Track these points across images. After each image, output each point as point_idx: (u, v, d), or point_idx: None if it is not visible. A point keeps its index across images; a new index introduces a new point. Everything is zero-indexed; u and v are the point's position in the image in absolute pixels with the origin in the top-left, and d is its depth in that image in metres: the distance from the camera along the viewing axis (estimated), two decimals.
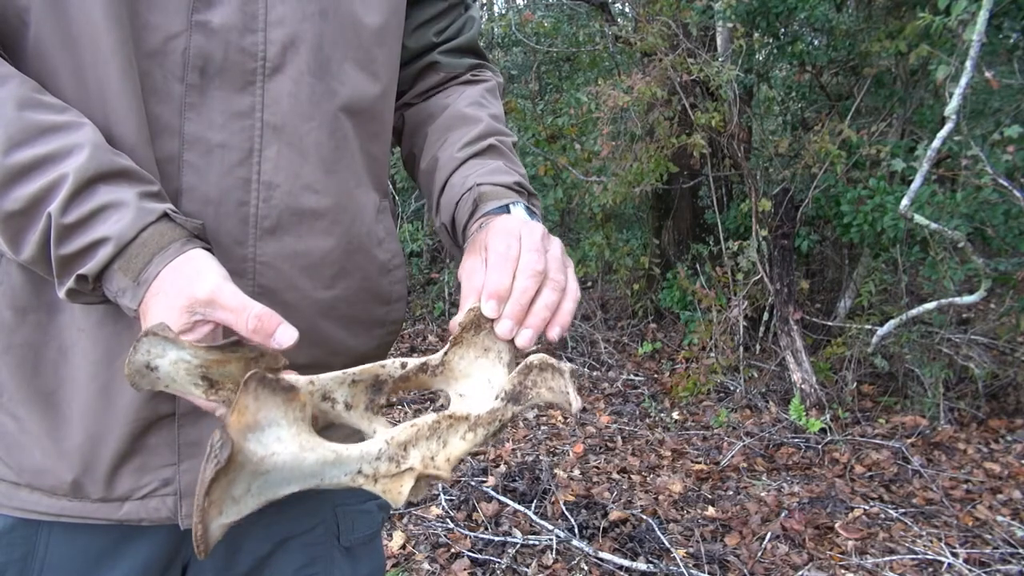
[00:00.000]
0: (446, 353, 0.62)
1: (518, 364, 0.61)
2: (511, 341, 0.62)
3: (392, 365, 0.62)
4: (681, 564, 2.38)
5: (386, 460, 0.58)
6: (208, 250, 0.60)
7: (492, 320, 0.62)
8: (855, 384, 3.71)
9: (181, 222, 0.59)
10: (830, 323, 4.07)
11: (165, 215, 0.59)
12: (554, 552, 2.45)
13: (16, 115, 0.56)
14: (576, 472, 3.06)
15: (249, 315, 0.55)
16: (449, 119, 0.84)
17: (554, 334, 0.62)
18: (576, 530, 2.57)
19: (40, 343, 0.65)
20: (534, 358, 0.60)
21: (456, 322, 0.63)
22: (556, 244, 0.67)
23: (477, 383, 0.63)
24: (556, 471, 3.04)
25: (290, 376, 0.57)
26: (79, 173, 0.56)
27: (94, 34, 0.60)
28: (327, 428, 0.60)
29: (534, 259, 0.63)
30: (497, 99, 0.89)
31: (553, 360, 0.60)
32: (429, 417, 0.60)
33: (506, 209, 0.72)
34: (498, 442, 3.36)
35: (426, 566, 2.40)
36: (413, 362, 0.62)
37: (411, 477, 0.58)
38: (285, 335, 0.57)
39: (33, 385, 0.66)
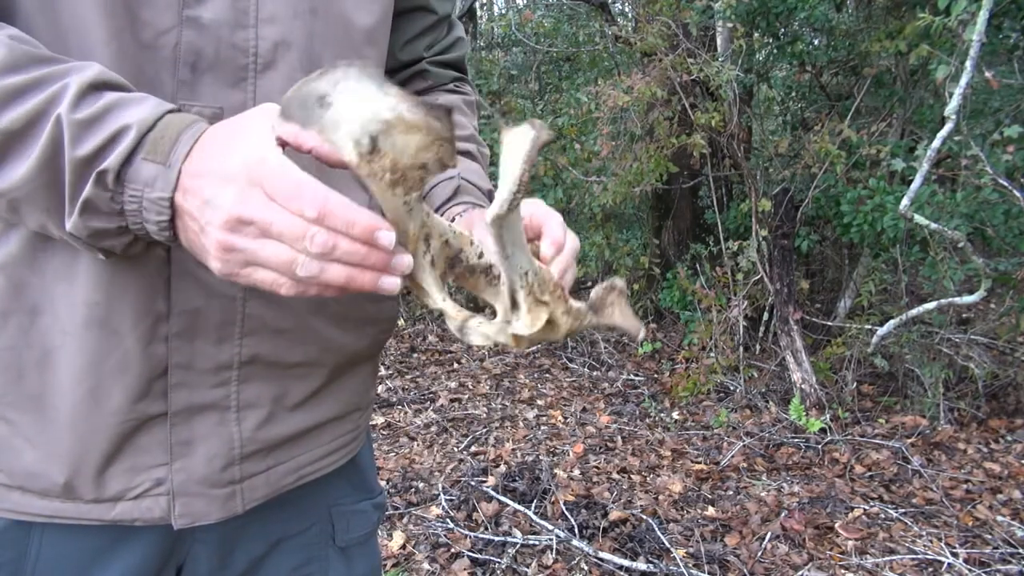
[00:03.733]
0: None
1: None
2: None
3: (473, 249, 0.61)
4: (681, 564, 2.38)
5: (537, 282, 0.58)
6: None
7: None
8: (855, 384, 3.71)
9: (198, 110, 0.57)
10: (830, 323, 4.07)
11: (179, 109, 0.56)
12: (554, 552, 2.45)
13: (13, 44, 0.54)
14: (576, 472, 3.06)
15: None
16: None
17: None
18: (576, 530, 2.57)
19: (23, 347, 0.64)
20: (616, 280, 0.65)
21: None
22: None
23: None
24: (556, 471, 3.04)
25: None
26: (83, 80, 0.53)
27: (84, 26, 0.59)
28: None
29: (574, 239, 0.69)
30: (474, 114, 0.94)
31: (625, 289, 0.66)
32: (554, 274, 0.62)
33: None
34: (498, 442, 3.36)
35: (426, 566, 2.40)
36: (486, 260, 0.62)
37: (545, 314, 0.59)
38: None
39: (20, 389, 0.65)
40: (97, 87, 0.54)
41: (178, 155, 0.52)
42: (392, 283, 0.51)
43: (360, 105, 0.46)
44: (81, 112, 0.52)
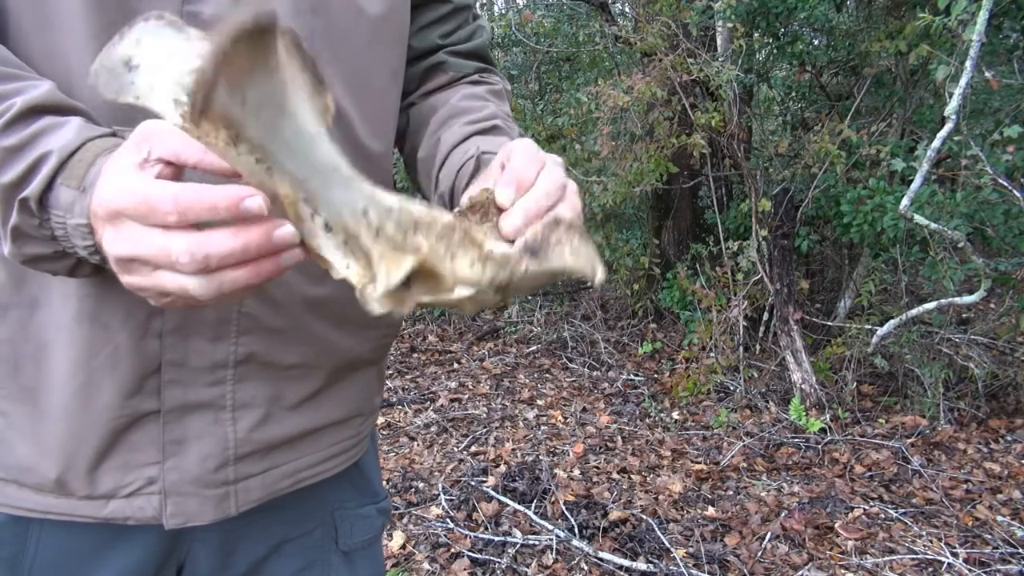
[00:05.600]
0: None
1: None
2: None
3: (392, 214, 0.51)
4: (681, 564, 2.38)
5: (394, 222, 0.46)
6: None
7: (500, 209, 0.53)
8: (855, 384, 3.71)
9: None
10: (830, 323, 4.07)
11: (113, 133, 0.55)
12: (554, 552, 2.45)
13: None
14: (576, 472, 3.06)
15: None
16: (453, 108, 0.81)
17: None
18: (576, 530, 2.57)
19: (21, 340, 0.64)
20: (560, 210, 0.51)
21: (463, 199, 0.54)
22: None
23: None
24: (556, 471, 3.04)
25: None
26: (27, 102, 0.53)
27: (72, 23, 0.59)
28: None
29: (560, 173, 0.56)
30: (504, 101, 0.86)
31: (580, 221, 0.52)
32: (446, 216, 0.49)
33: None
34: (498, 442, 3.36)
35: (426, 566, 2.40)
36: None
37: (409, 263, 0.46)
38: None
39: (16, 382, 0.65)
40: (38, 111, 0.54)
41: (91, 178, 0.51)
42: (288, 260, 0.47)
43: (168, 61, 0.41)
44: (8, 139, 0.52)
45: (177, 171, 0.49)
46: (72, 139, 0.53)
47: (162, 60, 0.42)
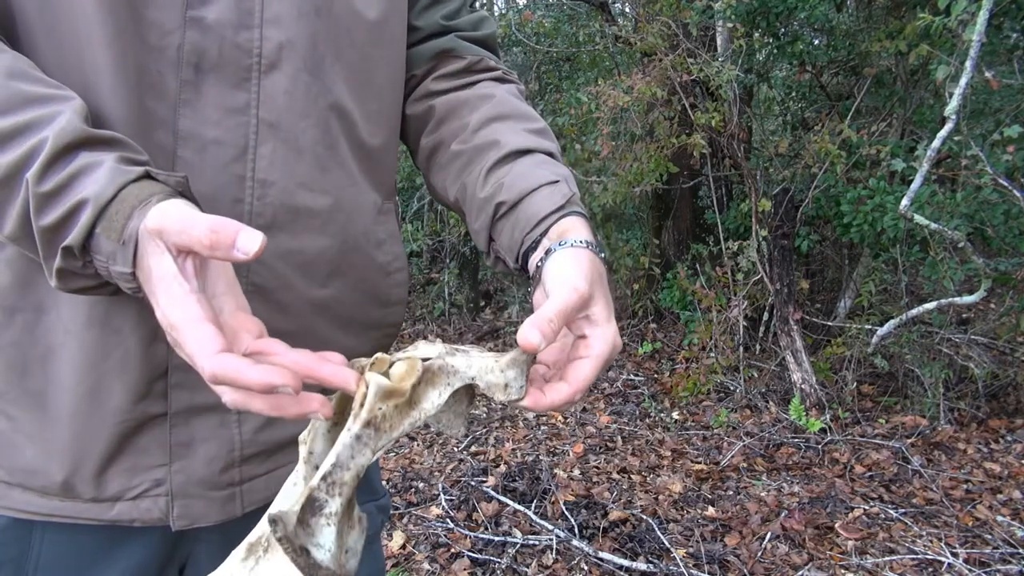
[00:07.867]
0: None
1: None
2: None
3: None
4: (681, 564, 2.38)
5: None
6: (194, 203, 0.56)
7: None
8: (855, 384, 3.71)
9: (163, 179, 0.55)
10: (830, 323, 4.07)
11: (147, 174, 0.55)
12: (554, 552, 2.45)
13: (4, 83, 0.54)
14: (576, 472, 3.06)
15: (201, 229, 0.49)
16: (503, 106, 0.79)
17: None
18: (576, 530, 2.58)
19: (28, 344, 0.64)
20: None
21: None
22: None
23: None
24: (556, 471, 3.04)
25: None
26: (59, 137, 0.53)
27: (87, 28, 0.59)
28: None
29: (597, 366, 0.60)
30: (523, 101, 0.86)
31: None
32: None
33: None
34: (498, 442, 3.36)
35: (426, 566, 2.40)
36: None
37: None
38: (249, 241, 0.49)
39: (22, 385, 0.65)
40: (73, 147, 0.54)
41: (130, 232, 0.52)
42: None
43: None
44: (46, 184, 0.52)
45: (196, 255, 0.52)
46: (106, 185, 0.53)
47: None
